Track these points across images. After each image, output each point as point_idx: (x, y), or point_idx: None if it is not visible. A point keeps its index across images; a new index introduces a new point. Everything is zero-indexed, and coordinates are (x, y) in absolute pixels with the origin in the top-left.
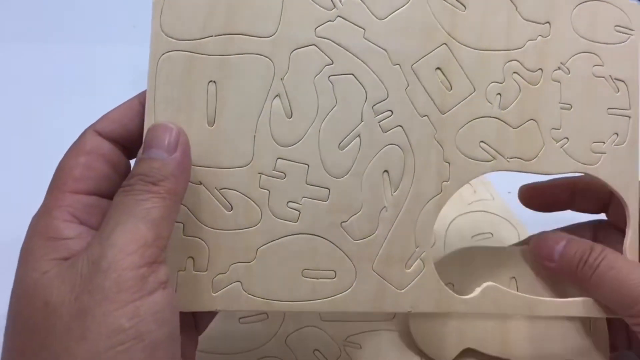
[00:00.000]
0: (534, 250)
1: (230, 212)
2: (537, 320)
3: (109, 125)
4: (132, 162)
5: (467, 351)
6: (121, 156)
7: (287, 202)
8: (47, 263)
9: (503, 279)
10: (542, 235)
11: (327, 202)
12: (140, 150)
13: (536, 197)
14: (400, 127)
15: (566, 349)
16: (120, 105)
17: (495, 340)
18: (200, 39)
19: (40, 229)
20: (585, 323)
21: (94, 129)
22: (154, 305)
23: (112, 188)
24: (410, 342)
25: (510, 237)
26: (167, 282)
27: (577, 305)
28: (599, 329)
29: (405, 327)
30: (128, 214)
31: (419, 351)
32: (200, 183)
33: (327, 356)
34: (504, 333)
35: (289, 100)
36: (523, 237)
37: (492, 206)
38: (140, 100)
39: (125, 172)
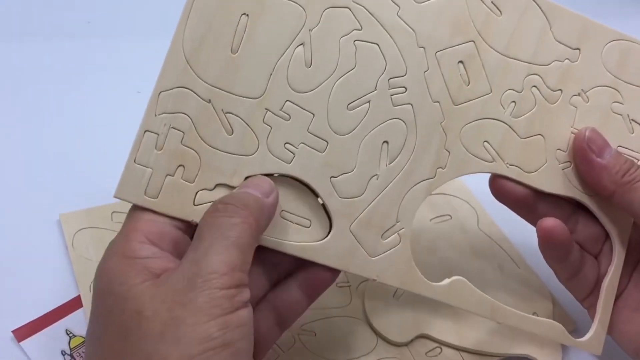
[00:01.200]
0: (584, 142)
1: (230, 136)
2: None
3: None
4: None
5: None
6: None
7: (285, 143)
8: (132, 278)
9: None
10: (596, 130)
11: (323, 153)
12: (237, 188)
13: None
14: (410, 106)
15: (519, 344)
16: None
17: (450, 329)
18: None
19: (117, 249)
20: None
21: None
22: (239, 320)
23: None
24: (364, 328)
25: (469, 218)
26: (249, 301)
27: (540, 324)
28: None
29: (360, 314)
30: (221, 236)
31: (374, 336)
32: (210, 101)
33: (281, 346)
34: (459, 323)
35: (311, 51)
36: (482, 218)
37: (450, 188)
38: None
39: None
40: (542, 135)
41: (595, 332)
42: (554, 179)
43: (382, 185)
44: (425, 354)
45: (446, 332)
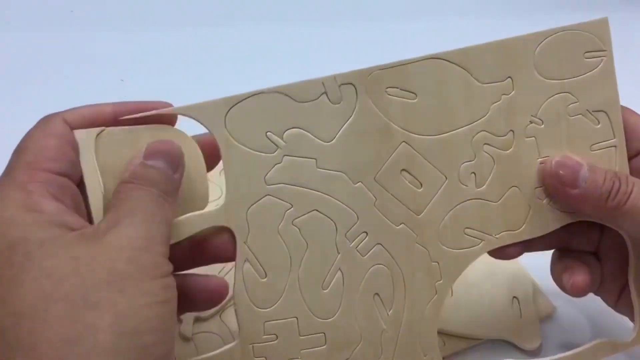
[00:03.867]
0: (553, 179)
1: None
2: (472, 298)
3: (78, 120)
4: None
5: None
6: None
7: None
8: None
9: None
10: (561, 159)
11: (325, 346)
12: (142, 154)
13: None
14: (380, 245)
15: (499, 328)
16: (93, 105)
17: None
18: None
19: (16, 201)
20: (515, 307)
21: (63, 117)
22: (173, 283)
23: (79, 174)
24: None
25: None
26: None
27: (589, 352)
28: (529, 314)
29: None
30: (154, 211)
31: None
32: None
33: None
34: None
35: (258, 261)
36: None
37: None
38: (115, 109)
39: None
40: (515, 186)
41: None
42: (545, 220)
43: (394, 334)
44: None
45: None
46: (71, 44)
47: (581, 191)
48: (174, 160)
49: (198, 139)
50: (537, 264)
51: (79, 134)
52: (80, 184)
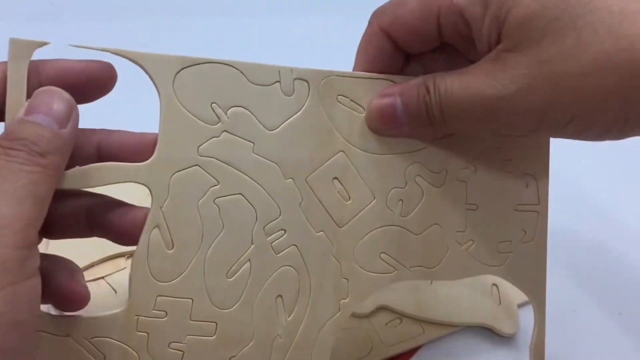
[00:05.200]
0: (376, 124)
1: None
2: (451, 285)
3: None
4: None
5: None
6: None
7: (169, 343)
8: None
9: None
10: (371, 103)
11: (214, 337)
12: (22, 111)
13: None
14: (295, 247)
15: (478, 314)
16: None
17: (410, 300)
18: None
19: None
20: (495, 293)
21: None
22: (30, 291)
23: None
24: None
25: None
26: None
27: None
28: (508, 300)
29: None
30: (14, 184)
31: None
32: (68, 335)
33: None
34: (418, 295)
35: (169, 230)
36: None
37: None
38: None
39: None
40: (438, 224)
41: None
42: (460, 264)
43: (288, 343)
44: (386, 324)
45: (406, 304)
46: (50, 37)
47: (408, 126)
48: (60, 113)
49: (76, 65)
50: None
51: (15, 42)
52: None
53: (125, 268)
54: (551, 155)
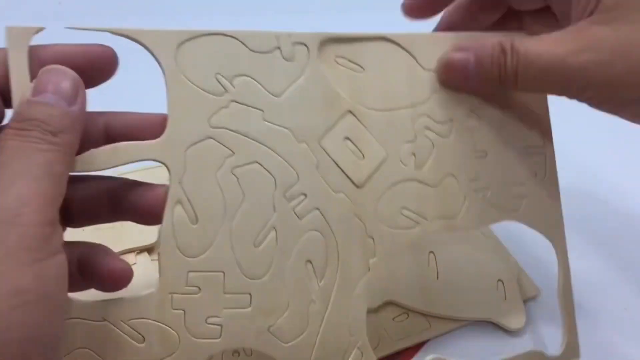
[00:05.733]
0: (447, 75)
1: (142, 345)
2: (457, 280)
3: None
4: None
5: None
6: None
7: (207, 318)
8: None
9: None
10: (445, 57)
11: (249, 308)
12: (30, 92)
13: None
14: (317, 210)
15: (485, 309)
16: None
17: (417, 295)
18: None
19: None
20: (500, 289)
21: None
22: (57, 268)
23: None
24: None
25: None
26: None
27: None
28: (514, 296)
29: None
30: (29, 164)
31: None
32: (104, 319)
33: None
34: (425, 289)
35: (191, 205)
36: None
37: None
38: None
39: None
40: (453, 174)
41: (568, 344)
42: (479, 213)
43: (322, 308)
44: (393, 319)
45: (413, 298)
46: (58, 37)
47: (475, 82)
48: (68, 91)
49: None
50: (522, 248)
51: (12, 30)
52: None
53: (135, 263)
54: (570, 151)
